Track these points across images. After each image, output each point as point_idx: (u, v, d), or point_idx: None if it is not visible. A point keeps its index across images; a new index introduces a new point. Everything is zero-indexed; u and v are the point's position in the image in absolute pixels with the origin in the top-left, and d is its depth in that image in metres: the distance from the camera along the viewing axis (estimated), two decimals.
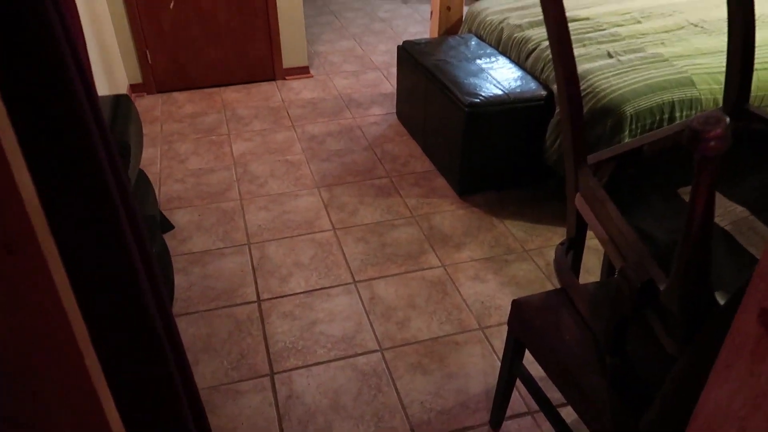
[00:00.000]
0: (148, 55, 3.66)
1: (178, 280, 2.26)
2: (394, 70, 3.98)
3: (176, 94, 3.79)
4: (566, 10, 3.27)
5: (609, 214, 1.20)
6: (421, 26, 4.97)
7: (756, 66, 2.42)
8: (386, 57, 4.33)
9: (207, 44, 3.73)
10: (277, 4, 3.71)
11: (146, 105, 3.64)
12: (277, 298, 2.17)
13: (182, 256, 2.38)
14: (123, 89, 3.57)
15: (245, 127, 3.38)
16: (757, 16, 3.02)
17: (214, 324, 2.06)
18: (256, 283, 2.25)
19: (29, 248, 0.50)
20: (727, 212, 1.21)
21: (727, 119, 0.74)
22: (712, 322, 0.90)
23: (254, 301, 2.16)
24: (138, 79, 3.73)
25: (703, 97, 2.39)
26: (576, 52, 2.67)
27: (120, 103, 2.15)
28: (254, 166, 2.99)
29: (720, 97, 2.37)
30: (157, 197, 2.73)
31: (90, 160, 0.90)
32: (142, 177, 2.37)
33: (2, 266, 0.51)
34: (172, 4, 3.54)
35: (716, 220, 1.21)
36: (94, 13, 3.10)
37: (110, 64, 3.32)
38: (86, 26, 2.84)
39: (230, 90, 3.85)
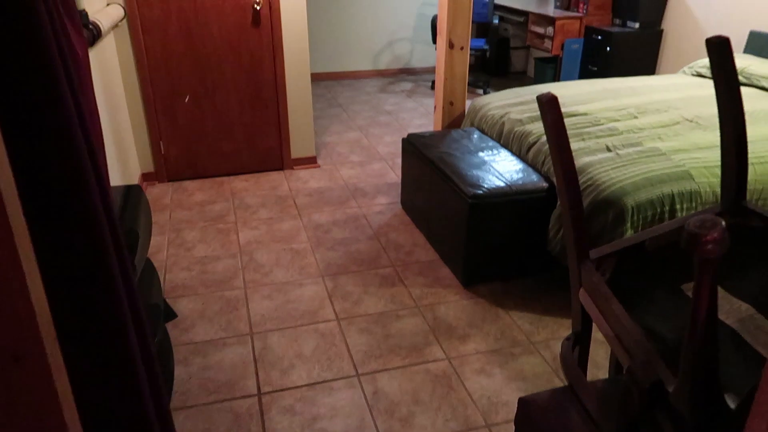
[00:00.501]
0: (162, 146, 3.79)
1: (178, 371, 2.22)
2: (399, 160, 4.09)
3: (186, 183, 3.88)
4: (565, 106, 3.39)
5: (613, 311, 1.20)
6: (425, 119, 5.16)
7: (752, 160, 2.49)
8: (391, 148, 4.46)
9: (219, 136, 3.87)
10: (288, 99, 3.88)
11: (157, 193, 3.72)
12: (278, 391, 2.12)
13: (183, 346, 2.35)
14: (135, 177, 3.67)
15: (252, 215, 3.44)
16: (749, 113, 3.14)
17: (213, 419, 2.00)
18: (257, 375, 2.20)
19: (35, 357, 0.51)
20: (733, 310, 1.20)
21: (723, 222, 0.76)
22: (724, 427, 0.87)
23: (254, 395, 2.11)
24: (150, 168, 3.84)
25: (702, 190, 2.44)
26: (576, 145, 2.75)
27: (131, 193, 2.21)
28: (260, 255, 3.01)
29: (719, 190, 2.41)
30: (162, 285, 2.73)
31: (97, 252, 0.91)
32: (148, 265, 2.38)
33: (7, 373, 0.51)
34: (187, 99, 3.71)
35: (722, 317, 1.20)
36: (112, 106, 3.25)
37: (124, 153, 3.44)
38: (104, 118, 2.96)
39: (239, 179, 3.94)
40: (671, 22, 4.86)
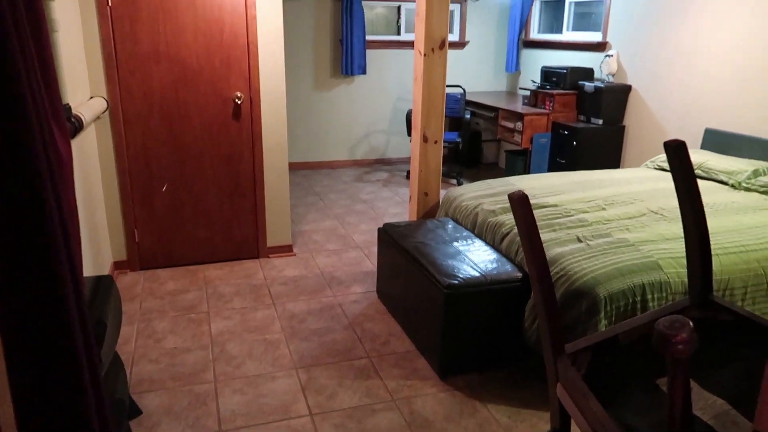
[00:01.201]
0: (136, 234, 3.77)
1: None
2: (375, 249, 4.12)
3: (159, 271, 3.83)
4: (536, 197, 3.48)
5: (591, 408, 1.19)
6: (400, 207, 5.25)
7: (717, 251, 2.57)
8: (367, 236, 4.50)
9: (195, 225, 3.87)
10: (265, 188, 3.94)
11: (128, 282, 3.66)
12: None
13: None
14: (107, 265, 3.62)
15: (225, 304, 3.38)
16: (710, 205, 3.26)
17: None
18: None
19: None
20: (708, 405, 1.20)
21: (691, 323, 0.78)
22: None
23: None
24: (123, 256, 3.79)
25: (671, 280, 2.49)
26: (547, 236, 2.82)
27: (101, 284, 2.17)
28: (231, 346, 2.94)
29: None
30: (128, 379, 2.63)
31: (66, 347, 0.89)
32: (115, 358, 2.30)
33: None
34: (164, 188, 3.74)
35: (698, 413, 1.20)
36: (88, 195, 3.25)
37: (97, 241, 3.40)
38: (79, 208, 2.95)
39: (214, 267, 3.91)
40: (632, 119, 5.15)
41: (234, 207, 3.93)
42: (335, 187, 5.93)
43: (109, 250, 3.73)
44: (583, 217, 3.06)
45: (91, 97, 3.40)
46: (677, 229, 2.84)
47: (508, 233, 2.99)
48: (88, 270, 3.09)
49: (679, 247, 2.63)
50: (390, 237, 3.24)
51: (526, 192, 3.46)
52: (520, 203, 1.26)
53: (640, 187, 3.63)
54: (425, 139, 3.66)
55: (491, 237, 3.10)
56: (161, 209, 3.79)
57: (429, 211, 3.83)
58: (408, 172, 6.32)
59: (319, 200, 5.45)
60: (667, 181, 3.75)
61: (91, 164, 3.41)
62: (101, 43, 3.39)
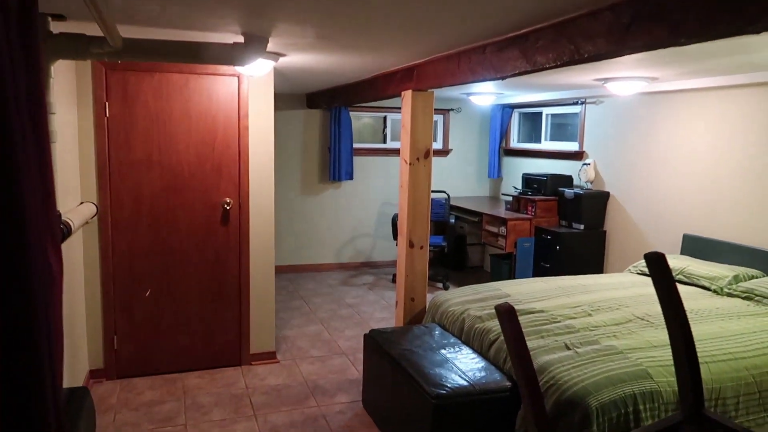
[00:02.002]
0: (115, 342, 3.67)
1: None
2: (361, 355, 4.02)
3: (137, 380, 3.69)
4: (522, 303, 3.48)
5: None
6: (387, 312, 5.20)
7: (705, 359, 2.56)
8: (353, 342, 4.41)
9: (177, 331, 3.79)
10: (251, 293, 3.90)
11: (103, 392, 3.50)
12: None
13: None
14: (82, 374, 3.48)
15: (204, 416, 3.24)
16: (694, 311, 3.27)
17: None
18: None
19: None
20: None
21: None
22: None
23: None
24: (99, 364, 3.66)
25: (662, 389, 2.45)
26: (535, 343, 2.80)
27: (74, 397, 2.09)
28: None
29: None
30: None
31: None
32: None
33: None
34: (148, 293, 3.69)
35: None
36: (70, 301, 3.19)
37: (74, 349, 3.29)
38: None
39: (193, 375, 3.77)
40: (612, 224, 5.28)
41: (217, 313, 3.86)
42: (321, 290, 5.90)
43: (86, 358, 3.61)
44: (570, 323, 3.06)
45: (81, 203, 3.44)
46: (664, 335, 2.82)
47: (495, 340, 2.96)
48: (64, 379, 2.97)
49: (668, 355, 2.59)
50: (376, 343, 3.18)
51: (512, 297, 3.47)
52: (507, 317, 1.27)
53: (624, 292, 3.66)
54: (411, 245, 3.71)
55: (479, 344, 3.06)
56: (142, 316, 3.71)
57: (416, 316, 3.80)
58: (394, 276, 6.32)
59: (304, 304, 5.40)
60: (650, 287, 3.77)
61: (75, 269, 3.38)
62: (96, 151, 3.48)
